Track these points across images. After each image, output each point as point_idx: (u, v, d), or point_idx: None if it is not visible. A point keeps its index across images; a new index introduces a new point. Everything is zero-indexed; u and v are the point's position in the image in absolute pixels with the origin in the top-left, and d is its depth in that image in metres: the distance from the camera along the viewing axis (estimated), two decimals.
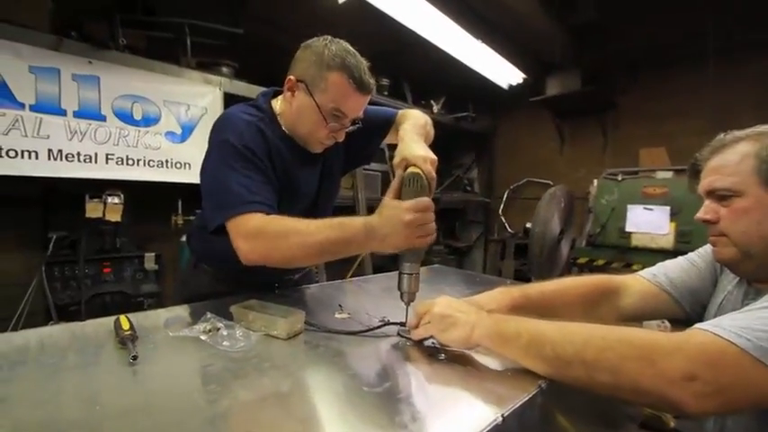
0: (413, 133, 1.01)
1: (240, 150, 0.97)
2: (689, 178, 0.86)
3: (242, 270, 0.95)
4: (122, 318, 0.81)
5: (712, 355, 0.54)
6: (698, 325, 0.59)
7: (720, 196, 0.76)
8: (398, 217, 0.77)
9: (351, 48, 1.02)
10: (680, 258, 0.94)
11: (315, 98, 0.99)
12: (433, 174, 0.87)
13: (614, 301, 0.91)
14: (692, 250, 0.94)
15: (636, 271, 0.98)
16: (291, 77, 1.03)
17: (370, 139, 1.26)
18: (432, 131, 1.18)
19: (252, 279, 1.13)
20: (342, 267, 3.18)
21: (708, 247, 0.90)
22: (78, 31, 2.22)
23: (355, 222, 0.83)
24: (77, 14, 2.33)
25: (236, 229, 0.90)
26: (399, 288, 0.86)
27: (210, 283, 1.20)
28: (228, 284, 1.16)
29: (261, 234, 0.88)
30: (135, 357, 0.67)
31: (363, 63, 1.01)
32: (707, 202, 0.80)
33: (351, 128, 1.07)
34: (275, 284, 1.21)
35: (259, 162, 0.99)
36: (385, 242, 0.80)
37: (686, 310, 0.89)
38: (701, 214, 0.79)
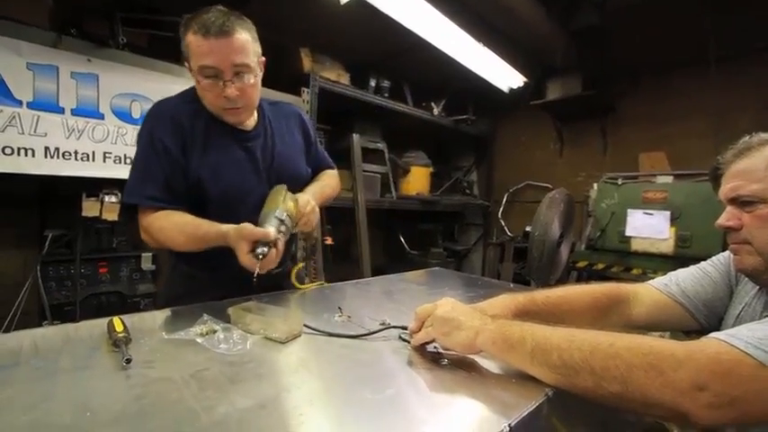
0: (311, 192, 1.23)
1: (150, 140, 1.06)
2: (711, 182, 0.82)
3: (214, 267, 1.09)
4: (116, 319, 0.79)
5: (725, 366, 0.51)
6: (713, 334, 0.57)
7: (744, 202, 0.72)
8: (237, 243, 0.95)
9: (216, 8, 1.04)
10: (692, 268, 0.90)
11: (190, 67, 1.07)
12: (304, 212, 1.09)
13: (624, 311, 0.88)
14: (693, 255, 0.91)
15: (636, 275, 0.96)
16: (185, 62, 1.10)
17: (306, 148, 1.35)
18: (332, 195, 1.38)
19: (226, 275, 1.07)
20: (339, 269, 3.15)
21: (721, 256, 0.87)
22: (78, 29, 2.21)
23: (221, 228, 0.99)
24: (78, 12, 2.32)
25: (139, 216, 1.10)
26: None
27: (184, 282, 1.22)
28: (203, 284, 1.15)
29: (148, 231, 1.08)
30: (128, 360, 0.65)
31: (221, 12, 1.02)
32: (729, 208, 0.75)
33: (246, 76, 1.06)
34: (252, 279, 1.00)
35: (163, 153, 1.06)
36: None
37: (701, 321, 0.86)
38: (722, 221, 0.75)
